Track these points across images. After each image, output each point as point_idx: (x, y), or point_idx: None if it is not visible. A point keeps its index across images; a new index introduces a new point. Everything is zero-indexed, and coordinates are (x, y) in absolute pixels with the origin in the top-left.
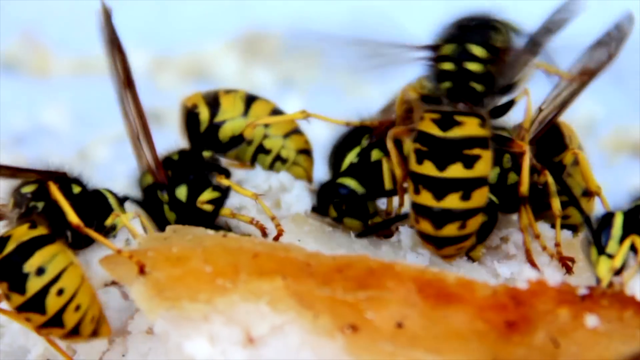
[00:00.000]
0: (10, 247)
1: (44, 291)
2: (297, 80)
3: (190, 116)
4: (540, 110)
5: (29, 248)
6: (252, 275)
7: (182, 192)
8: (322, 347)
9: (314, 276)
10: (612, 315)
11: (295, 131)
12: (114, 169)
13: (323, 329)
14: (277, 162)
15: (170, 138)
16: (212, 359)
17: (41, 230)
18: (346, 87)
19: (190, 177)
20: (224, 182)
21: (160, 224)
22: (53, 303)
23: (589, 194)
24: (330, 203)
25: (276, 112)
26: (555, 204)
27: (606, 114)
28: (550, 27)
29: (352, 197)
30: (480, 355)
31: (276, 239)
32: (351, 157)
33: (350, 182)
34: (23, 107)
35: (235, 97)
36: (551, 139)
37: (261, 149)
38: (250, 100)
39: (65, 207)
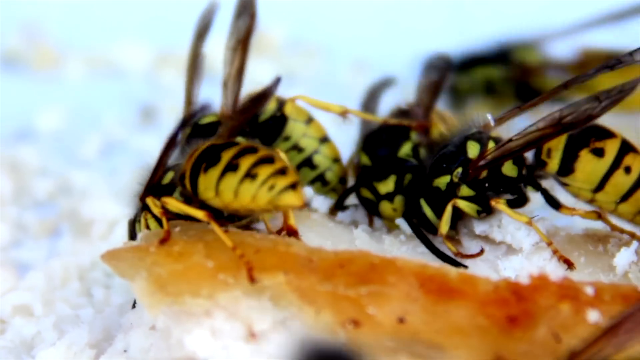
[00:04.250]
0: None
1: None
2: (298, 76)
3: None
4: (510, 140)
5: None
6: (254, 271)
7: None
8: None
9: (315, 271)
10: (614, 311)
11: (327, 139)
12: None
13: (325, 325)
14: (306, 167)
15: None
16: (214, 354)
17: None
18: (348, 82)
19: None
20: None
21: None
22: None
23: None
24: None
25: (325, 138)
26: (521, 219)
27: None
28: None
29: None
30: (482, 350)
31: (278, 233)
32: (406, 150)
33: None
34: (24, 104)
35: (306, 111)
36: None
37: (295, 147)
38: (310, 120)
39: None
